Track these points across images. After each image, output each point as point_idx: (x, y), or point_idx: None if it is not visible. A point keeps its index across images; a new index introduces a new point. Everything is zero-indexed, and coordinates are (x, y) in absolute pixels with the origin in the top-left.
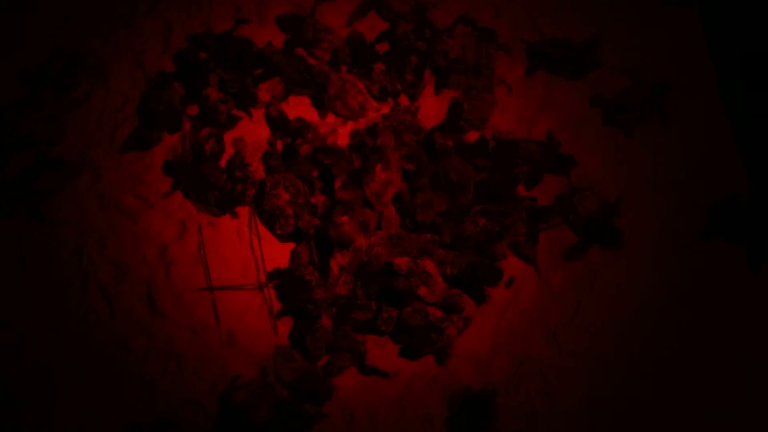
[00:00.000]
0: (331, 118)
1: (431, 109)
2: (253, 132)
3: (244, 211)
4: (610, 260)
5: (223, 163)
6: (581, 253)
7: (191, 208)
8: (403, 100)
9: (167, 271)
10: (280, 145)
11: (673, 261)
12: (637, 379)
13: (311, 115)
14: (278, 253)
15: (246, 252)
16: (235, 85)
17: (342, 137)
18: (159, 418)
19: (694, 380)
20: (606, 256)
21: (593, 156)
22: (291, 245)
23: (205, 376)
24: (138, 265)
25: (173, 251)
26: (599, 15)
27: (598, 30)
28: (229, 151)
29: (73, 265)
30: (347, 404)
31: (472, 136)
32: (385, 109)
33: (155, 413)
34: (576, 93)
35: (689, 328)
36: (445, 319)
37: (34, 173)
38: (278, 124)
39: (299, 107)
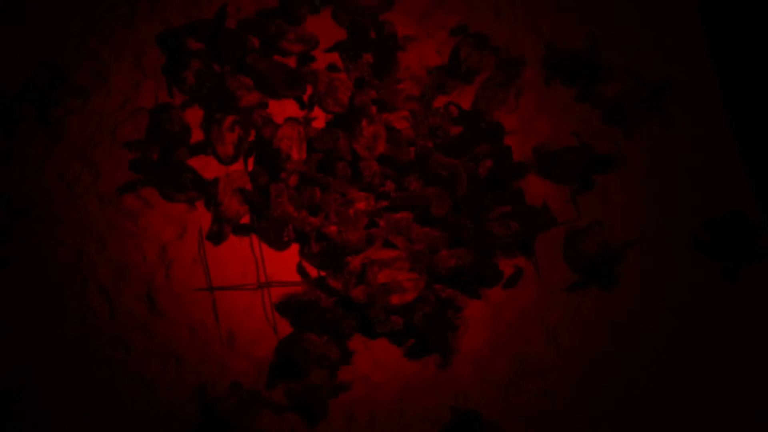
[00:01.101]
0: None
1: None
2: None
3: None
4: None
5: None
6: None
7: (190, 207)
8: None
9: (167, 271)
10: (264, 178)
11: (670, 261)
12: (637, 378)
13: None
14: (278, 254)
15: (246, 252)
16: (210, 79)
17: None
18: None
19: (692, 379)
20: None
21: None
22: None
23: (205, 376)
24: (138, 265)
25: (173, 251)
26: (599, 15)
27: (597, 34)
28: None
29: (73, 265)
30: (347, 404)
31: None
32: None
33: (155, 412)
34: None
35: (687, 328)
36: (453, 317)
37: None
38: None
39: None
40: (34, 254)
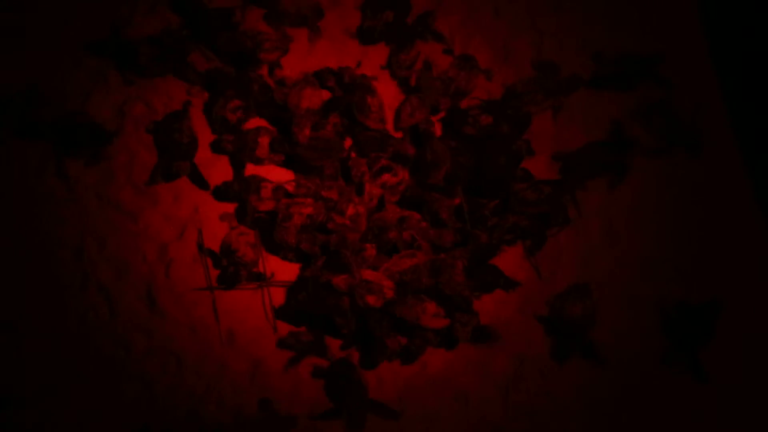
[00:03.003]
0: None
1: None
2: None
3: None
4: (604, 250)
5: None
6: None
7: (191, 207)
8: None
9: (167, 271)
10: None
11: (671, 262)
12: (637, 377)
13: None
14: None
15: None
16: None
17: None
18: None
19: (692, 379)
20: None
21: None
22: None
23: (205, 376)
24: (138, 264)
25: (173, 251)
26: (600, 16)
27: (596, 36)
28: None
29: (73, 265)
30: None
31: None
32: None
33: (154, 413)
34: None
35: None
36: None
37: None
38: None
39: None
40: (34, 254)
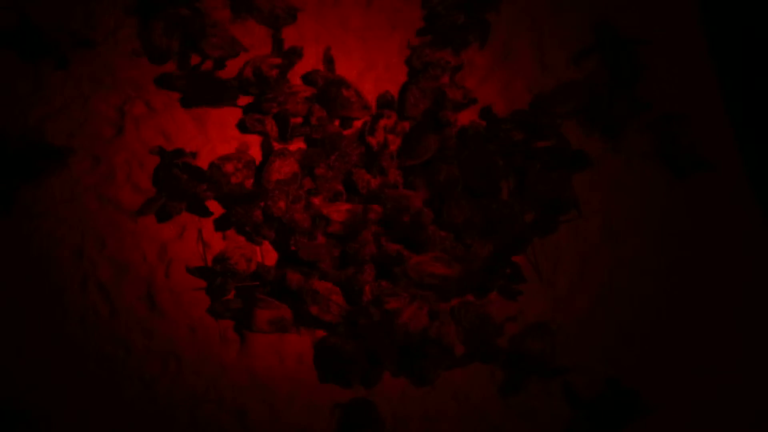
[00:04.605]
0: None
1: None
2: None
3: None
4: (604, 250)
5: None
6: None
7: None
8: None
9: (167, 271)
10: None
11: (667, 258)
12: (636, 377)
13: None
14: (278, 254)
15: (246, 251)
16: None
17: None
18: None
19: (691, 379)
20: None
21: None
22: None
23: (205, 376)
24: (137, 264)
25: (172, 250)
26: (600, 17)
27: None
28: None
29: (72, 265)
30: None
31: None
32: None
33: (154, 413)
34: None
35: (682, 328)
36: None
37: None
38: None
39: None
40: (34, 254)
